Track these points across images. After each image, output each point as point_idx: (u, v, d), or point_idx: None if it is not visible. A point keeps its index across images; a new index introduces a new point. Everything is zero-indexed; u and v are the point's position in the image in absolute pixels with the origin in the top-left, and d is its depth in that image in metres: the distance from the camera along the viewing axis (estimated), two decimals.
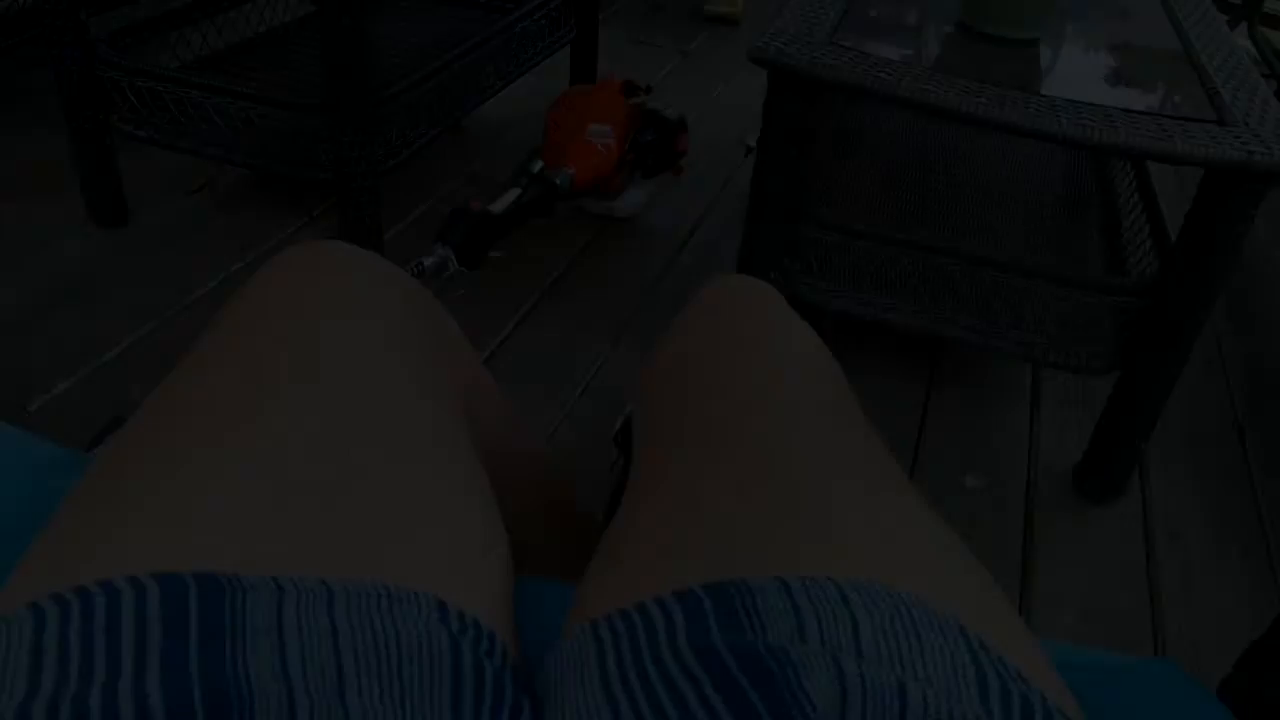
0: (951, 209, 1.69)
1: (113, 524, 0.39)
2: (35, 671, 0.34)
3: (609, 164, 1.75)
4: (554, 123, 1.83)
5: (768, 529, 0.41)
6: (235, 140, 1.58)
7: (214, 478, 0.41)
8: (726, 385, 0.52)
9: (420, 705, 0.37)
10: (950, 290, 1.35)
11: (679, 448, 0.49)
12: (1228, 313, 1.95)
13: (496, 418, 0.69)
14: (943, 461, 1.47)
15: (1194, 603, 1.31)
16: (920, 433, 1.51)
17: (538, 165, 1.85)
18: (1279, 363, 1.82)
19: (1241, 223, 1.13)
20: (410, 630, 0.38)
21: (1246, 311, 1.96)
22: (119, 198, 1.73)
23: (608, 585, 0.43)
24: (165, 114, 1.62)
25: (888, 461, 0.49)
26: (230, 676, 0.34)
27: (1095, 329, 1.33)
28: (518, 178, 1.86)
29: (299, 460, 0.43)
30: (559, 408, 1.47)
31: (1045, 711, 0.35)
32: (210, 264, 1.68)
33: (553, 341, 1.61)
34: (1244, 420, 1.65)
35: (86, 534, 0.39)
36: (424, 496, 0.45)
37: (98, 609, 0.35)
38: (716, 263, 1.87)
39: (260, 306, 0.52)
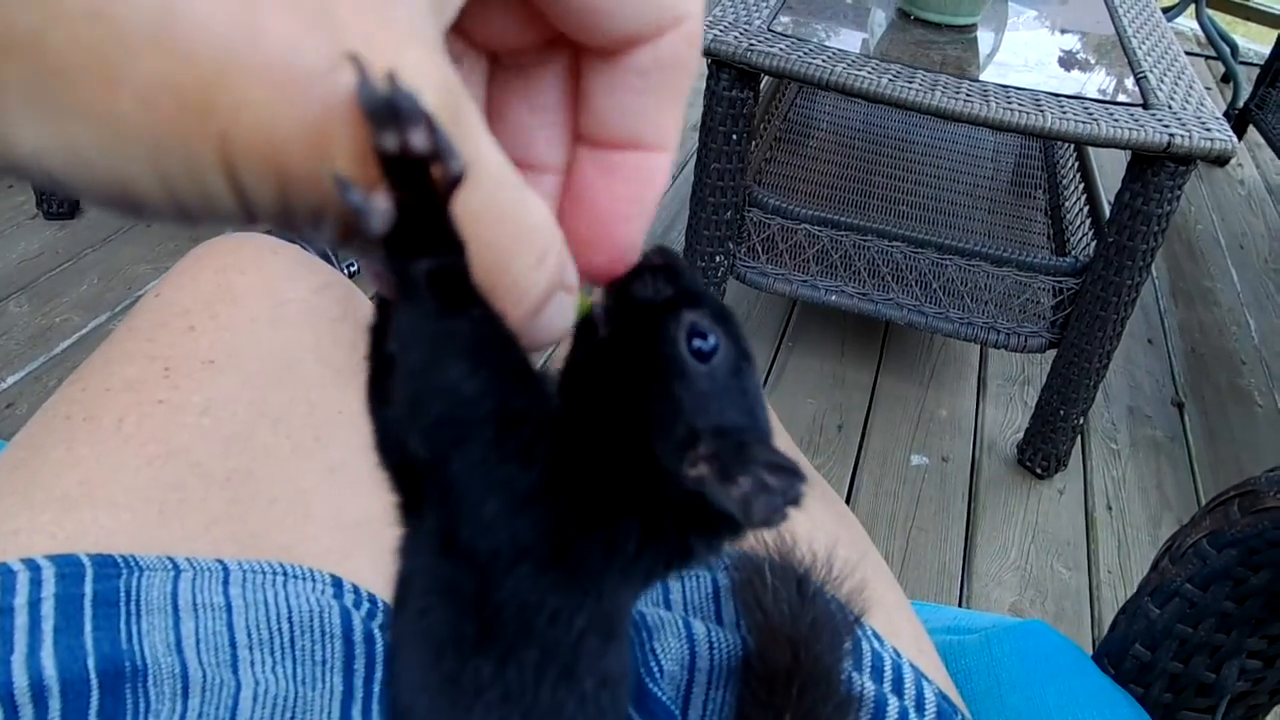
0: (901, 194, 1.72)
1: (13, 508, 0.40)
2: None
3: None
4: None
5: None
6: None
7: (117, 463, 0.42)
8: None
9: (312, 675, 0.39)
10: (893, 273, 1.37)
11: None
12: (1170, 290, 1.99)
13: None
14: (890, 441, 1.50)
15: (1129, 573, 1.35)
16: (869, 413, 1.54)
17: None
18: (1218, 339, 1.87)
19: (1166, 203, 1.16)
20: (304, 605, 0.40)
21: (1187, 289, 2.01)
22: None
23: None
24: None
25: (778, 438, 0.51)
26: (125, 651, 0.36)
27: (1033, 308, 1.37)
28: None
29: (203, 446, 0.44)
30: None
31: (896, 665, 0.38)
32: (159, 257, 1.68)
33: None
34: (1183, 394, 1.69)
35: None
36: (328, 481, 0.47)
37: None
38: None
39: (174, 297, 0.53)
